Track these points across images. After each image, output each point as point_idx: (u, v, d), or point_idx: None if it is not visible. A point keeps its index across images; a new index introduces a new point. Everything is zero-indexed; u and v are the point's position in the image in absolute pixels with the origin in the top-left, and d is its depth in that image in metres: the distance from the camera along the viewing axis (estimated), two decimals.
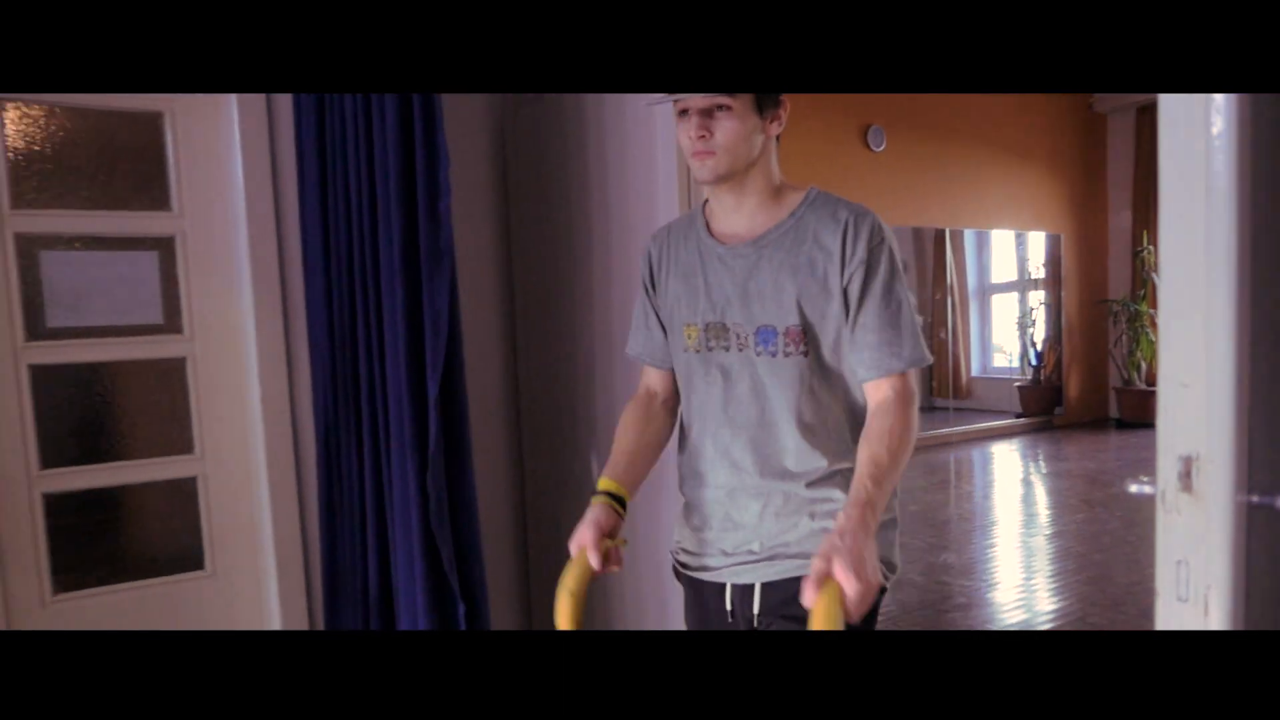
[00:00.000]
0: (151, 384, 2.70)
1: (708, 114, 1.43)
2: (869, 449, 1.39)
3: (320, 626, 2.69)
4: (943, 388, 9.76)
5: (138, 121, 2.58)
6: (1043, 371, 9.88)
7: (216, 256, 2.66)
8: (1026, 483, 7.53)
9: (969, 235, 9.55)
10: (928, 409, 9.76)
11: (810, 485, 1.48)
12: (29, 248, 2.47)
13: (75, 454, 2.60)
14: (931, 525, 5.84)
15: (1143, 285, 9.29)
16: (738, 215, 1.52)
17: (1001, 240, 9.78)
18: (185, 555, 2.76)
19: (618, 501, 1.50)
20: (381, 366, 2.16)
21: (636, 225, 2.57)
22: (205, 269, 2.65)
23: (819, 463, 1.48)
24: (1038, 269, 9.92)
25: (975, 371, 10.08)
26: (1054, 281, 9.86)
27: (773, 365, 1.48)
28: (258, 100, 2.55)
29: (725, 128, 1.43)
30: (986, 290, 10.07)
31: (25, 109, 2.46)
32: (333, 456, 2.47)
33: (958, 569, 4.75)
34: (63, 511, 2.60)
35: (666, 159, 2.49)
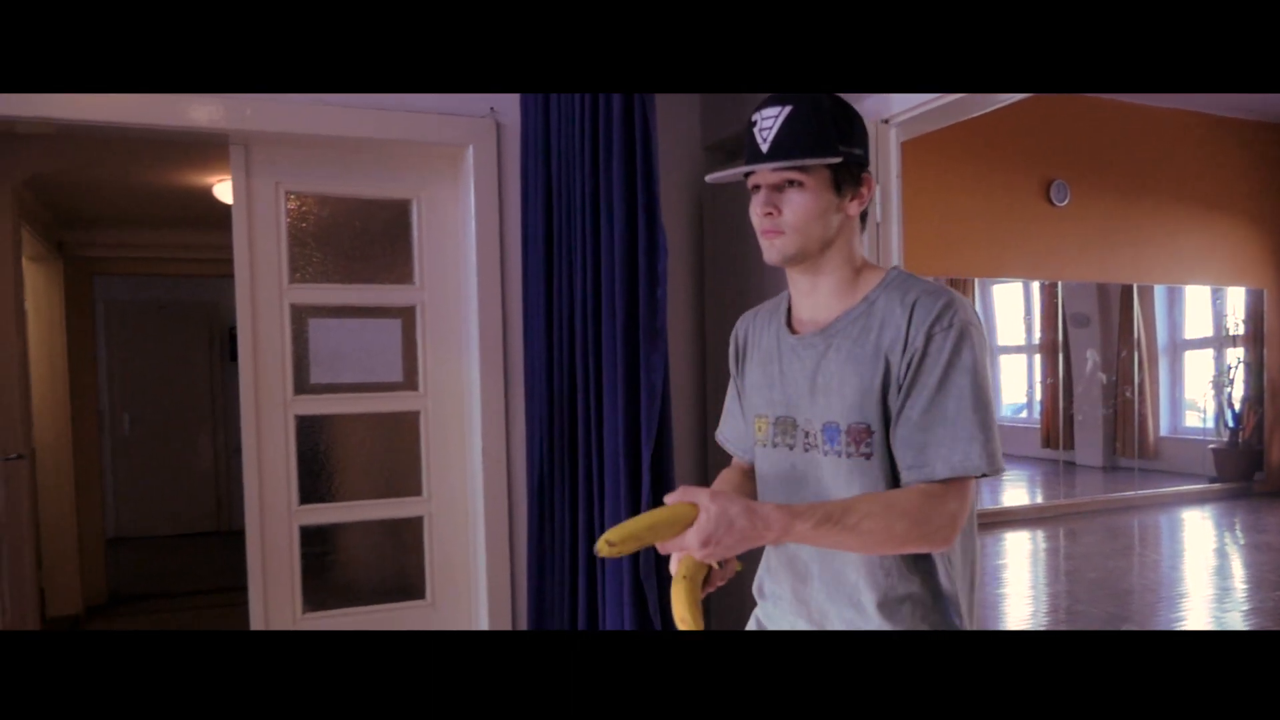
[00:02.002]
0: (390, 434, 3.09)
1: (778, 190, 1.31)
2: (864, 496, 1.25)
3: None
4: (1127, 447, 9.33)
5: (390, 208, 2.99)
6: (1241, 434, 9.29)
7: (449, 324, 3.03)
8: (1221, 553, 7.12)
9: (1159, 291, 9.15)
10: (1110, 469, 9.35)
11: (880, 609, 1.31)
12: (300, 315, 2.91)
13: (326, 492, 3.00)
14: (1112, 594, 5.65)
15: None
16: (812, 300, 1.39)
17: (1196, 295, 9.31)
18: (410, 585, 3.12)
19: None
20: (599, 430, 2.43)
21: None
22: (439, 335, 3.02)
23: (885, 581, 1.31)
24: (1237, 325, 9.37)
25: (1164, 431, 9.58)
26: (1255, 338, 9.29)
27: (838, 467, 1.31)
28: (491, 189, 2.91)
29: (795, 205, 1.30)
30: (1179, 347, 9.59)
31: (301, 199, 2.90)
32: (545, 506, 2.76)
33: None
34: (312, 541, 3.00)
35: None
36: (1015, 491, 9.84)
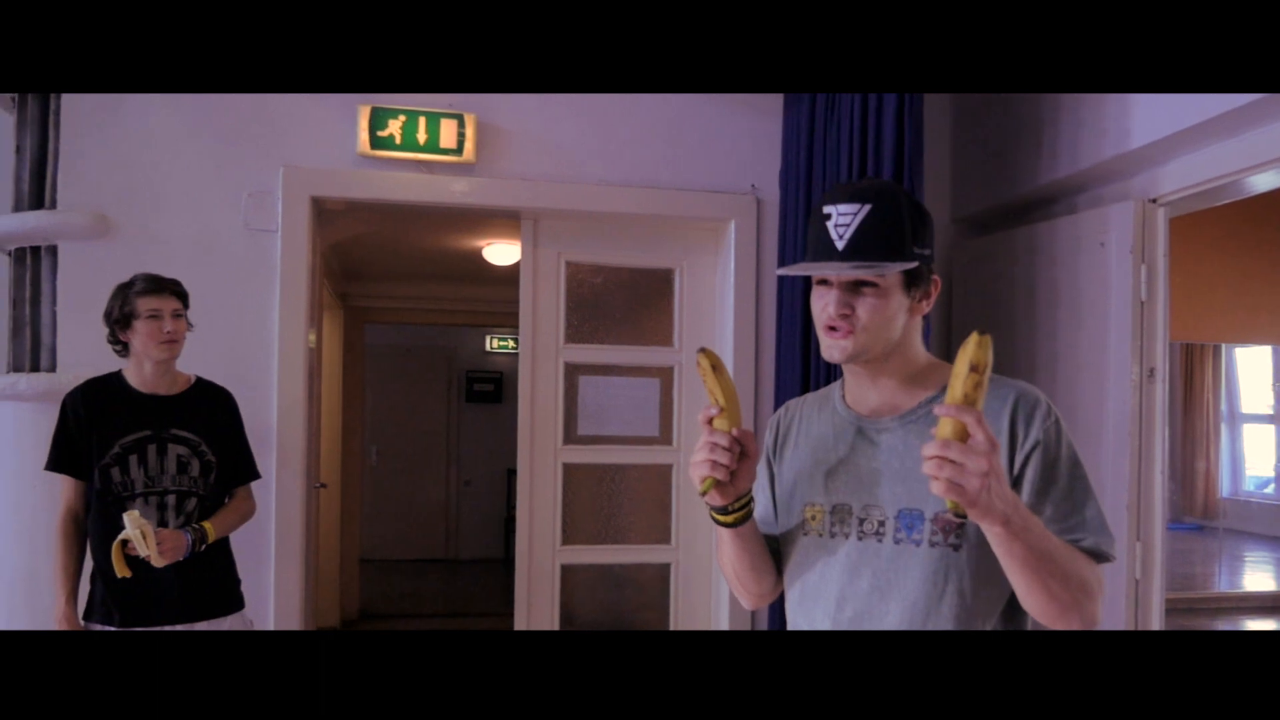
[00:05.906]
0: (644, 484, 3.33)
1: (851, 289, 1.28)
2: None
3: None
4: None
5: (655, 276, 3.26)
6: None
7: (703, 384, 3.24)
8: None
9: None
10: None
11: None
12: (572, 373, 3.21)
13: (585, 535, 3.27)
14: None
15: None
16: (874, 392, 1.37)
17: None
18: (654, 628, 3.32)
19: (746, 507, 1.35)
20: None
21: (1085, 362, 2.73)
22: (694, 394, 3.24)
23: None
24: None
25: None
26: None
27: (911, 556, 1.29)
28: (750, 260, 3.13)
29: (870, 306, 1.27)
30: None
31: (578, 267, 3.22)
32: None
33: None
34: (569, 577, 3.27)
35: (1120, 300, 2.64)
36: (1259, 575, 9.03)
